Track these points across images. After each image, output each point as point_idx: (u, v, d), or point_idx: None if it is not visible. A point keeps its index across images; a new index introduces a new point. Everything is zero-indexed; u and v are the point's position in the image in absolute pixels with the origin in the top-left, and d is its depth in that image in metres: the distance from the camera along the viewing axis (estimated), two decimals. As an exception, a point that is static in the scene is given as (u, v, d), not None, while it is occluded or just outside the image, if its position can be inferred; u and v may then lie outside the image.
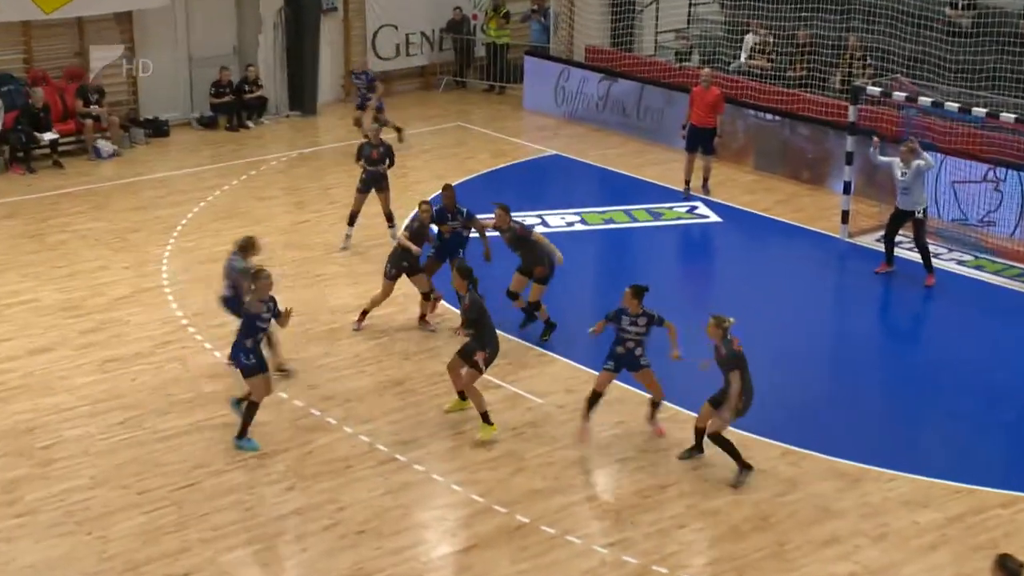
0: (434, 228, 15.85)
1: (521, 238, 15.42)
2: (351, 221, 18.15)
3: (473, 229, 15.92)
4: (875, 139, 17.88)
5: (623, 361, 13.15)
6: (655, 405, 13.41)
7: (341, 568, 11.28)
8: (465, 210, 15.93)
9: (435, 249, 15.95)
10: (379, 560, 11.41)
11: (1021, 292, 17.12)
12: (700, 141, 20.35)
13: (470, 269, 13.45)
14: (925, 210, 17.29)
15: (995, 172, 18.57)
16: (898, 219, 17.38)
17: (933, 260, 17.37)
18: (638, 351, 13.07)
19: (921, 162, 17.04)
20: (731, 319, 12.44)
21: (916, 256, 17.42)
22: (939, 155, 18.69)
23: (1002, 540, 11.62)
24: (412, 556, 11.56)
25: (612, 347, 13.15)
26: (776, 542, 11.70)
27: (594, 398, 13.24)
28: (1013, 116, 17.31)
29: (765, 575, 11.25)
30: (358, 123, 22.48)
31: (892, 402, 14.29)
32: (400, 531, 11.88)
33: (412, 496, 12.48)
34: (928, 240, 17.37)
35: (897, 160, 17.20)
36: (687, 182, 20.47)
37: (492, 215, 15.49)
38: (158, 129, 23.33)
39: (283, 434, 13.45)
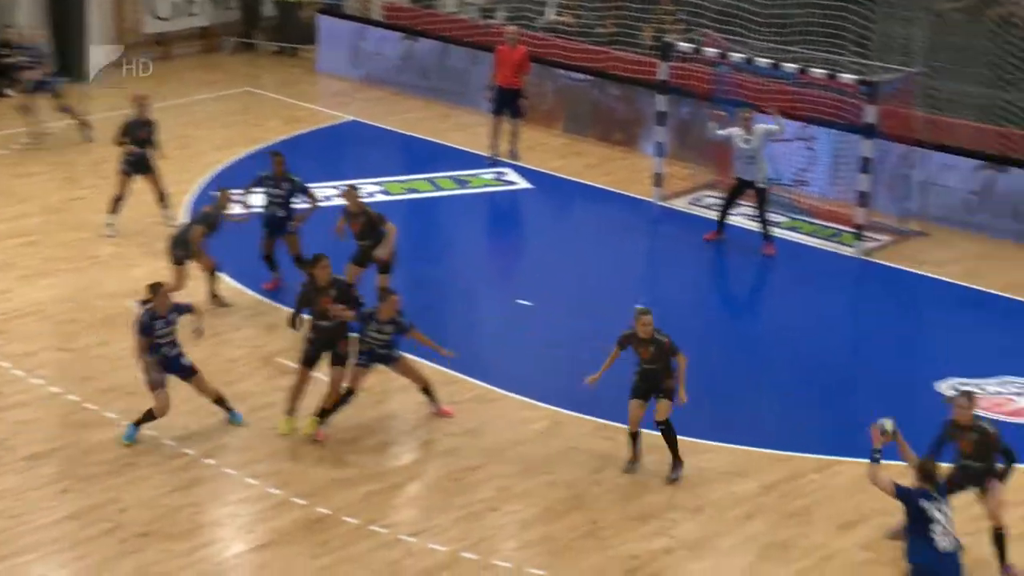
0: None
1: (375, 224, 15.21)
2: (114, 208, 17.68)
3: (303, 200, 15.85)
4: (715, 112, 18.18)
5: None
6: (427, 392, 13.53)
7: (124, 574, 11.10)
8: (297, 179, 15.86)
9: (266, 228, 15.89)
10: (166, 563, 11.25)
11: (834, 253, 17.79)
12: (506, 103, 20.55)
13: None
14: (767, 179, 17.63)
15: (807, 130, 19.23)
16: (739, 189, 17.67)
17: (747, 224, 17.87)
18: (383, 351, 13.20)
19: (775, 127, 17.39)
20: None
21: (744, 221, 17.86)
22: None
23: (814, 506, 12.12)
24: (204, 557, 11.43)
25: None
26: (591, 520, 11.96)
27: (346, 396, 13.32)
28: (825, 71, 17.91)
29: (580, 555, 11.49)
30: (26, 109, 20.90)
31: (708, 372, 14.71)
32: (190, 531, 11.74)
33: (202, 493, 12.35)
34: (753, 204, 17.73)
35: (737, 130, 17.45)
36: (493, 147, 20.66)
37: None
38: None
39: (53, 431, 13.14)
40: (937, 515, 9.90)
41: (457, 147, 21.33)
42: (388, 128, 22.30)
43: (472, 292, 16.73)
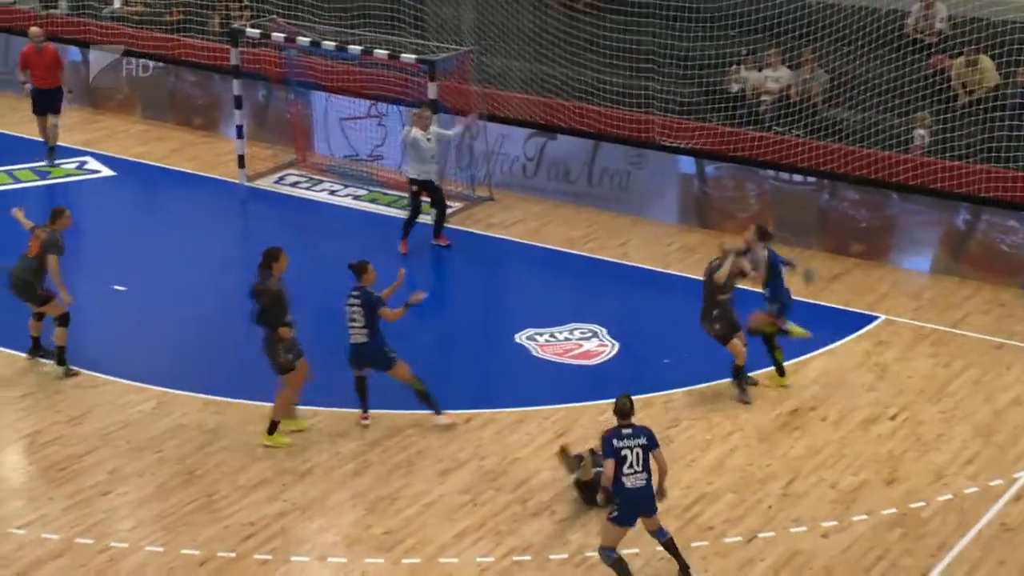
0: None
1: None
2: None
3: None
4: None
5: None
6: None
7: None
8: None
9: None
10: None
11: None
12: (48, 103, 19.48)
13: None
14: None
15: (377, 107, 19.48)
16: (420, 190, 16.83)
17: (331, 199, 17.90)
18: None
19: (450, 132, 17.17)
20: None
21: (313, 195, 17.86)
22: (325, 94, 19.36)
23: (416, 458, 12.38)
24: None
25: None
26: (205, 493, 11.75)
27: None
28: (386, 52, 18.17)
29: (196, 528, 11.27)
30: None
31: (310, 342, 14.69)
32: None
33: None
34: (335, 180, 17.49)
35: (416, 130, 16.59)
36: (48, 144, 19.61)
37: None
38: None
39: None
40: (627, 453, 10.11)
41: (34, 139, 20.16)
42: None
43: (67, 280, 15.92)
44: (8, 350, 13.97)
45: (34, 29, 19.79)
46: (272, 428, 12.48)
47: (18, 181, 18.76)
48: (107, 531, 11.19)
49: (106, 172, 19.34)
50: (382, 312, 12.48)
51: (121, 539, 11.10)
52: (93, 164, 19.53)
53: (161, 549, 10.96)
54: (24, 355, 13.87)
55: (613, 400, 10.39)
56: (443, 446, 12.54)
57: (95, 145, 20.16)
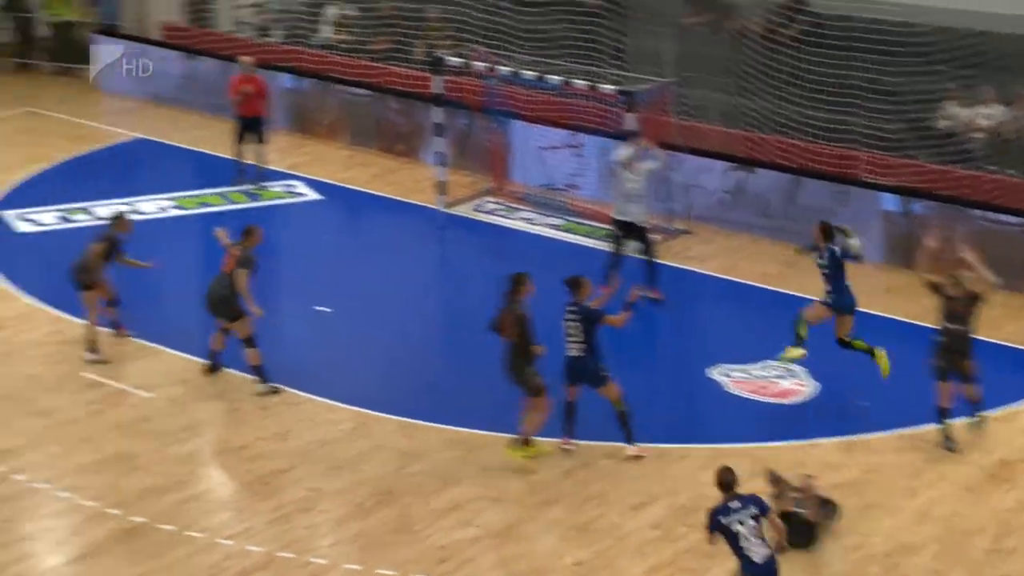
0: None
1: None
2: None
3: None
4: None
5: None
6: None
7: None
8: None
9: None
10: (-23, 582, 10.76)
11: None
12: (252, 130, 19.75)
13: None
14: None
15: (575, 137, 19.57)
16: (625, 232, 16.23)
17: (528, 227, 18.00)
18: None
19: (654, 164, 16.37)
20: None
21: (510, 223, 17.99)
22: (523, 123, 19.54)
23: (609, 489, 12.33)
24: (17, 573, 10.93)
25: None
26: (400, 515, 11.91)
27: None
28: (586, 83, 18.24)
29: (393, 549, 11.42)
30: None
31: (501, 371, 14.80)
32: (3, 545, 11.21)
33: (13, 509, 11.80)
34: (531, 209, 17.55)
35: (650, 162, 16.25)
36: (241, 166, 19.93)
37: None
38: None
39: None
40: (739, 528, 9.65)
41: (245, 161, 20.85)
42: (176, 144, 21.73)
43: (270, 300, 16.40)
44: (231, 370, 14.32)
45: (244, 58, 20.47)
46: (524, 443, 12.56)
47: (231, 202, 19.42)
48: (308, 547, 11.43)
49: (312, 195, 19.89)
50: (607, 320, 12.50)
51: (321, 555, 11.32)
52: (301, 187, 20.11)
53: (359, 568, 11.14)
54: (219, 370, 14.20)
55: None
56: (636, 479, 12.46)
57: (302, 169, 20.75)
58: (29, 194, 19.39)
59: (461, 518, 11.87)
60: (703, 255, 17.86)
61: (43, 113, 23.13)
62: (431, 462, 12.75)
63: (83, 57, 24.84)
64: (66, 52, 25.33)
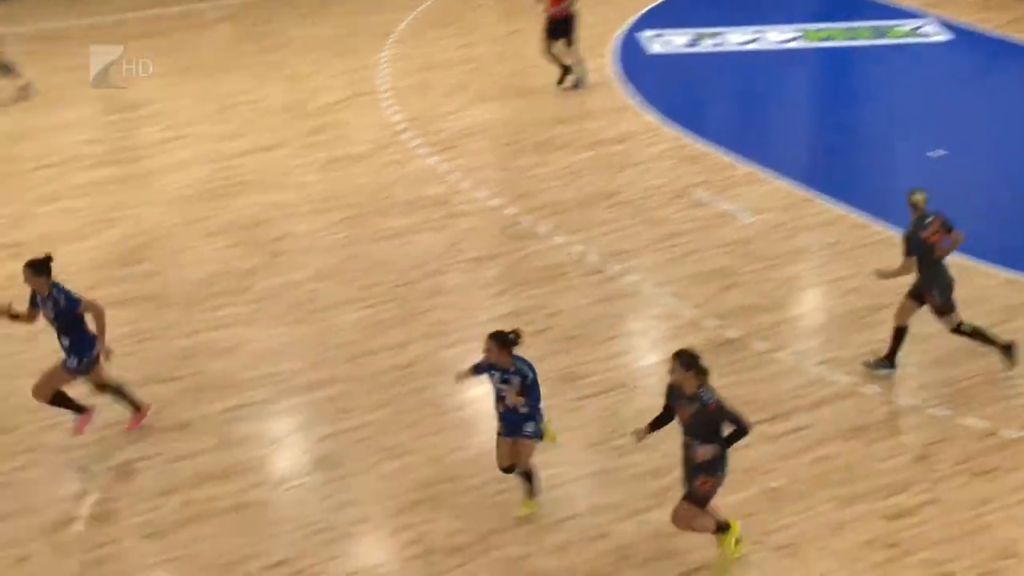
0: None
1: None
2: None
3: None
4: None
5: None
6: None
7: (555, 369, 11.42)
8: None
9: None
10: (589, 365, 11.56)
11: None
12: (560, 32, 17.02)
13: None
14: None
15: None
16: None
17: None
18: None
19: None
20: None
21: None
22: None
23: None
24: (621, 364, 11.66)
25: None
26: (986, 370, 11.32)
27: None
28: None
29: (980, 402, 10.95)
30: None
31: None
32: (610, 339, 11.98)
33: (623, 306, 12.56)
34: None
35: None
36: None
37: None
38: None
39: (494, 241, 13.63)
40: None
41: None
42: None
43: (882, 140, 16.04)
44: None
45: None
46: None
47: (855, 38, 18.94)
48: (888, 387, 11.22)
49: (940, 37, 18.93)
50: None
51: (904, 397, 11.10)
52: (929, 28, 19.20)
53: (948, 413, 10.80)
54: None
55: None
56: None
57: (933, 8, 19.74)
58: (664, 15, 20.00)
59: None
60: None
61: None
62: (1031, 321, 11.97)
63: None
64: None
